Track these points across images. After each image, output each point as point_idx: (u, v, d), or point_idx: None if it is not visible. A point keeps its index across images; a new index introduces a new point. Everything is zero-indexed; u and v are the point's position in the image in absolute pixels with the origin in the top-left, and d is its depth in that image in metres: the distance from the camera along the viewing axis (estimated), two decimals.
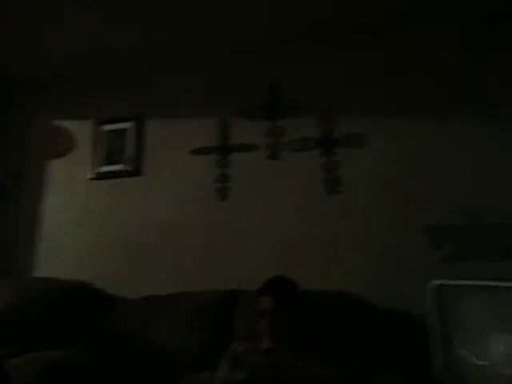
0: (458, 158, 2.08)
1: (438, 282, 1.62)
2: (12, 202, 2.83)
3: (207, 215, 2.41)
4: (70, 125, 2.85)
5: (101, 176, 2.69)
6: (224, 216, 2.38)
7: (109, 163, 2.69)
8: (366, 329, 1.80)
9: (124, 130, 2.71)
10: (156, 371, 1.87)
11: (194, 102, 2.62)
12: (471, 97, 2.10)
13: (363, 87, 2.30)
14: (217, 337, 1.91)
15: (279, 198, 2.31)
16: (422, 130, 2.16)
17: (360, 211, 2.17)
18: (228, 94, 2.55)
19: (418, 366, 1.62)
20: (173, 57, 2.67)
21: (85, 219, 2.65)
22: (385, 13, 2.24)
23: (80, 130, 2.82)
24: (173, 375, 1.73)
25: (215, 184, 2.44)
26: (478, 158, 2.05)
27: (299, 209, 2.26)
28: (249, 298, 1.98)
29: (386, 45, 2.32)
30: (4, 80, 2.94)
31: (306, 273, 1.94)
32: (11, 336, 2.01)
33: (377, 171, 2.19)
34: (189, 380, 1.52)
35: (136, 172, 2.62)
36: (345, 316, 1.82)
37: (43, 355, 1.70)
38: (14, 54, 2.66)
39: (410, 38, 2.28)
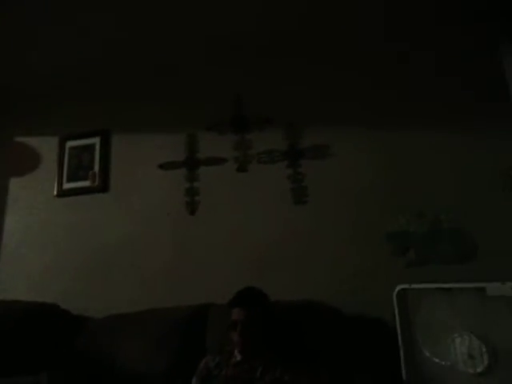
0: (418, 167, 2.16)
1: (400, 286, 1.68)
2: None
3: (176, 229, 2.40)
4: (33, 141, 2.78)
5: (65, 193, 2.63)
6: (193, 230, 2.37)
7: (74, 179, 2.64)
8: (337, 336, 1.83)
9: (90, 146, 2.67)
10: None
11: (161, 117, 2.61)
12: (430, 108, 2.18)
13: (328, 99, 2.35)
14: (187, 353, 1.88)
15: (248, 209, 2.33)
16: (384, 141, 2.23)
17: (326, 221, 2.21)
18: (195, 107, 2.56)
19: (389, 369, 1.66)
20: (137, 70, 2.66)
21: (47, 238, 2.58)
22: (345, 27, 2.34)
23: (44, 146, 2.76)
24: None
25: (184, 198, 2.44)
26: (438, 166, 2.13)
27: (268, 220, 2.28)
28: (219, 312, 1.98)
29: (347, 57, 2.40)
30: None
31: (275, 284, 1.96)
32: None
33: (341, 181, 2.24)
34: None
35: (102, 188, 2.58)
36: (315, 325, 1.85)
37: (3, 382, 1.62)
38: None
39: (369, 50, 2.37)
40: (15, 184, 2.75)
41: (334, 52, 2.42)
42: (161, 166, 2.53)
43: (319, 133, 2.34)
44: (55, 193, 2.64)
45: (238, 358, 1.66)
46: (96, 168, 2.62)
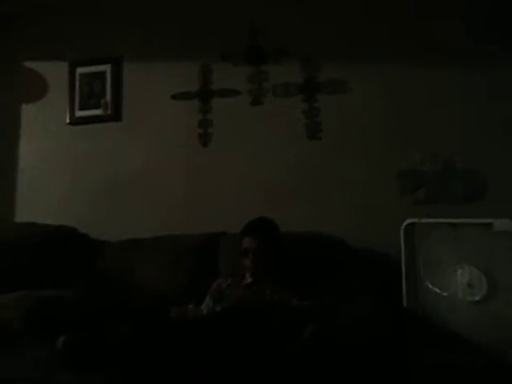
0: (434, 106, 2.13)
1: (408, 220, 1.72)
2: None
3: (189, 161, 2.42)
4: (42, 66, 2.72)
5: (78, 121, 2.62)
6: (206, 161, 2.39)
7: (86, 108, 2.62)
8: (343, 267, 1.92)
9: (101, 73, 2.61)
10: (141, 309, 1.95)
11: (174, 45, 2.52)
12: (448, 46, 2.11)
13: (347, 34, 2.26)
14: (201, 275, 1.99)
15: (261, 143, 2.33)
16: (402, 79, 2.17)
17: (339, 157, 2.22)
18: (210, 37, 2.45)
19: (391, 297, 1.76)
20: None
21: (63, 164, 2.62)
22: None
23: (54, 72, 2.70)
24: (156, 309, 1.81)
25: (197, 130, 2.43)
26: (453, 107, 2.10)
27: (280, 154, 2.29)
28: (232, 240, 2.06)
29: None
30: None
31: (287, 216, 2.02)
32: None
33: (356, 118, 2.22)
34: (175, 310, 1.61)
35: (115, 117, 2.56)
36: (322, 255, 1.93)
37: (32, 293, 1.75)
38: None
39: None
40: (27, 110, 2.73)
41: None
42: (174, 97, 2.49)
43: (337, 67, 2.27)
44: (68, 120, 2.63)
45: (249, 280, 1.76)
46: (108, 96, 2.58)
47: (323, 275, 1.86)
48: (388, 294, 1.84)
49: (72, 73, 2.66)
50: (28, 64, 2.76)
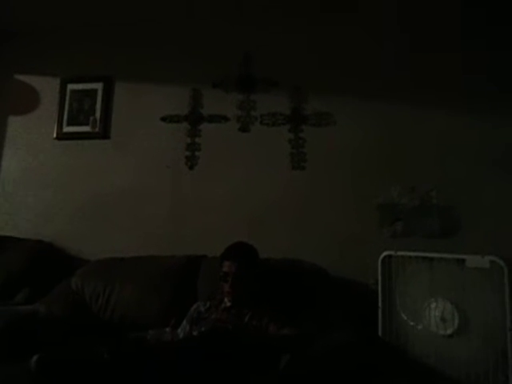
0: (417, 142, 2.22)
1: (386, 253, 1.77)
2: None
3: (175, 182, 2.44)
4: (35, 81, 2.74)
5: (65, 136, 2.62)
6: (192, 184, 2.42)
7: (74, 124, 2.63)
8: (322, 294, 1.94)
9: (92, 91, 2.64)
10: (117, 331, 1.91)
11: (167, 68, 2.59)
12: (435, 82, 2.22)
13: (335, 67, 2.37)
14: (180, 298, 1.98)
15: (246, 169, 2.38)
16: (385, 115, 2.28)
17: (321, 187, 2.28)
18: (202, 63, 2.53)
19: (367, 328, 1.78)
20: (148, 20, 2.61)
21: (46, 179, 2.60)
22: None
23: (45, 86, 2.72)
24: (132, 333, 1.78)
25: (184, 152, 2.47)
26: (434, 143, 2.20)
27: (265, 181, 2.34)
28: (212, 263, 2.06)
29: (360, 23, 2.38)
30: None
31: (269, 242, 2.05)
32: None
33: (339, 150, 2.30)
34: (152, 333, 1.59)
35: (103, 135, 2.58)
36: (302, 282, 1.95)
37: (3, 309, 1.70)
38: None
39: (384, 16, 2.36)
40: (14, 123, 2.72)
41: (343, 20, 2.40)
42: (163, 119, 2.54)
43: (323, 100, 2.37)
44: (55, 135, 2.63)
45: (228, 304, 1.77)
46: (97, 114, 2.61)
47: (302, 303, 1.88)
48: (365, 323, 1.87)
49: (63, 88, 2.68)
50: (19, 77, 2.77)
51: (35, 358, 1.15)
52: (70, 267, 2.28)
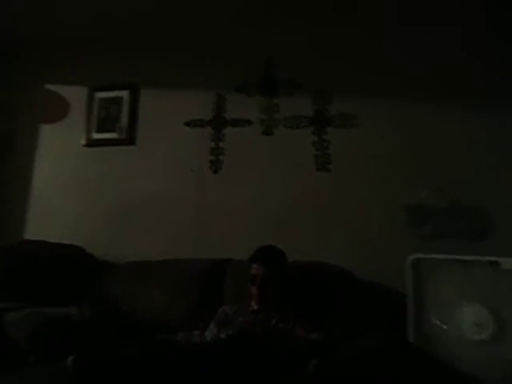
0: (444, 142, 2.18)
1: (415, 255, 1.74)
2: (3, 164, 2.82)
3: (199, 186, 2.47)
4: (63, 90, 2.83)
5: (94, 143, 2.70)
6: (216, 188, 2.44)
7: (102, 131, 2.70)
8: (348, 298, 1.93)
9: (119, 98, 2.71)
10: (146, 333, 1.94)
11: (190, 74, 2.62)
12: (461, 83, 2.18)
13: (359, 68, 2.35)
14: (207, 301, 2.00)
15: (270, 172, 2.38)
16: (412, 114, 2.24)
17: (347, 189, 2.26)
18: (225, 67, 2.56)
19: (395, 332, 1.75)
20: (171, 27, 2.66)
21: (76, 184, 2.68)
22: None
23: (74, 95, 2.80)
24: (162, 335, 1.80)
25: (208, 157, 2.49)
26: (463, 144, 2.15)
27: (289, 184, 2.34)
28: (238, 267, 2.08)
29: (381, 24, 2.36)
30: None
31: (293, 245, 2.02)
32: (7, 295, 2.06)
33: (365, 151, 2.28)
34: (180, 336, 1.61)
35: (129, 141, 2.64)
36: (328, 285, 1.94)
37: (38, 311, 1.76)
38: (12, 15, 2.59)
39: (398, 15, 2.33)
40: (46, 131, 2.82)
41: (369, 23, 2.38)
42: (187, 124, 2.57)
43: (348, 102, 2.35)
44: (84, 142, 2.71)
45: (255, 307, 1.77)
46: (124, 121, 2.67)
47: (328, 306, 1.87)
48: (393, 328, 1.84)
49: (91, 97, 2.76)
50: (49, 86, 2.87)
51: (71, 358, 1.18)
52: (100, 270, 2.34)
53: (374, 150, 2.26)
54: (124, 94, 2.71)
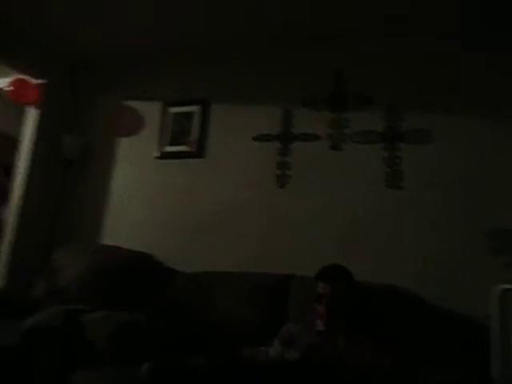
0: None
1: (503, 286, 1.59)
2: (82, 173, 3.07)
3: (266, 201, 2.48)
4: (139, 105, 3.02)
5: (166, 155, 2.84)
6: (282, 203, 2.44)
7: (174, 144, 2.83)
8: (418, 325, 1.82)
9: (190, 113, 2.83)
10: (212, 343, 1.97)
11: (259, 89, 2.68)
12: None
13: (432, 82, 2.25)
14: (271, 316, 1.99)
15: (338, 188, 2.34)
16: (492, 130, 2.10)
17: (420, 208, 2.15)
18: (293, 82, 2.58)
19: (476, 367, 1.62)
20: (241, 43, 2.73)
21: (148, 195, 2.82)
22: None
23: (148, 110, 2.98)
24: (229, 348, 1.82)
25: (275, 171, 2.50)
26: None
27: (358, 201, 2.27)
28: (302, 283, 2.05)
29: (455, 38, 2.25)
30: (82, 57, 3.15)
31: (358, 263, 1.95)
32: (84, 296, 2.22)
33: (440, 169, 2.16)
34: (246, 351, 1.61)
35: (199, 154, 2.74)
36: (396, 309, 1.85)
37: (114, 315, 1.86)
38: (89, 31, 2.81)
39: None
40: (123, 143, 3.02)
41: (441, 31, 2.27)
42: (255, 138, 2.61)
43: (421, 117, 2.26)
44: (157, 154, 2.86)
45: (321, 327, 1.72)
46: (194, 134, 2.78)
47: (397, 331, 1.78)
48: (470, 361, 1.70)
49: (164, 112, 2.92)
50: (126, 102, 3.08)
51: (146, 366, 1.22)
52: (167, 278, 2.43)
53: (450, 168, 2.14)
54: (195, 108, 2.82)
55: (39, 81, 3.02)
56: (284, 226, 2.40)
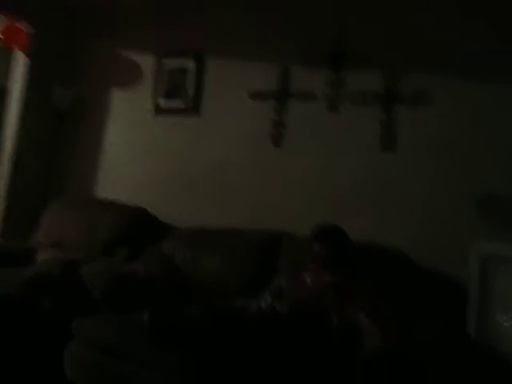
0: None
1: (483, 249, 1.66)
2: (77, 126, 3.01)
3: (260, 159, 2.49)
4: (132, 55, 2.92)
5: (160, 111, 2.79)
6: (277, 161, 2.45)
7: (168, 99, 2.77)
8: (405, 282, 1.90)
9: (184, 68, 2.74)
10: (200, 297, 2.05)
11: (256, 44, 2.59)
12: None
13: (434, 44, 2.19)
14: (261, 272, 2.07)
15: (333, 149, 2.34)
16: (490, 96, 2.07)
17: (413, 171, 2.17)
18: (292, 38, 2.49)
19: (454, 323, 1.71)
20: None
21: (142, 149, 2.82)
22: None
23: (142, 62, 2.89)
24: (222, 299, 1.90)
25: (270, 129, 2.49)
26: None
27: (351, 163, 2.29)
28: (293, 240, 2.12)
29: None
30: (70, 7, 3.00)
31: (350, 223, 1.99)
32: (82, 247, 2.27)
33: (435, 132, 2.15)
34: (238, 302, 1.69)
35: (194, 110, 2.69)
36: (385, 267, 1.92)
37: (112, 265, 1.92)
38: None
39: None
40: (116, 96, 2.96)
41: None
42: (250, 95, 2.56)
43: (420, 78, 2.20)
44: (151, 110, 2.81)
45: (309, 283, 1.79)
46: (189, 90, 2.72)
47: (386, 290, 1.86)
48: (451, 317, 1.80)
49: (158, 63, 2.82)
50: (120, 51, 2.97)
51: (147, 315, 1.29)
52: (161, 232, 2.48)
53: (447, 131, 2.12)
54: (190, 63, 2.73)
55: (30, 27, 2.89)
56: (278, 185, 2.43)
